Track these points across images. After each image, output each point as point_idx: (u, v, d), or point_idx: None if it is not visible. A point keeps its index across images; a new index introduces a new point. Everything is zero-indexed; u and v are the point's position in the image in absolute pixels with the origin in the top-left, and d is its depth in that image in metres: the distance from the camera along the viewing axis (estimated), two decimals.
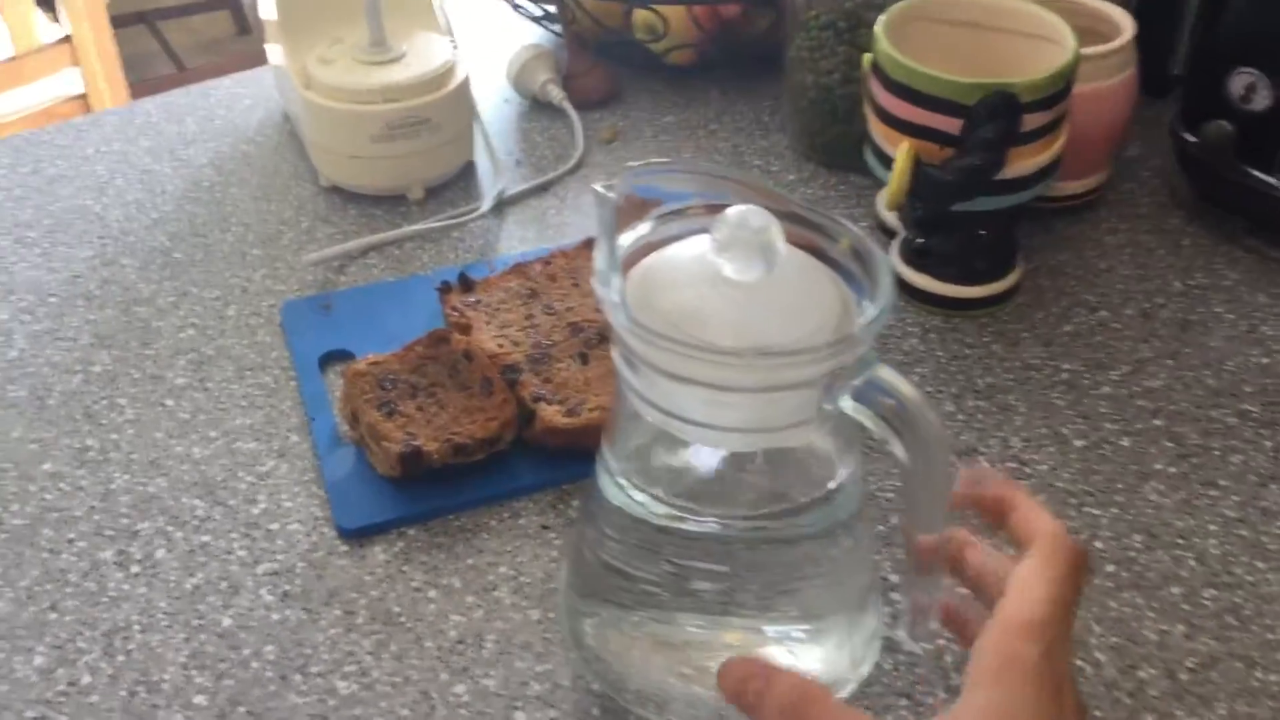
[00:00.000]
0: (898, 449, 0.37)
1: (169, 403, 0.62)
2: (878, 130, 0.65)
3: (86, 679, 0.49)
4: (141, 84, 2.04)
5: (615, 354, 0.40)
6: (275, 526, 0.55)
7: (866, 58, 0.66)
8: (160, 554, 0.54)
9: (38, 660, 0.49)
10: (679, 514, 0.42)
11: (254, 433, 0.60)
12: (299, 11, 0.78)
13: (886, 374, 0.37)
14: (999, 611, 0.36)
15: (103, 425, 0.61)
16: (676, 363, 0.37)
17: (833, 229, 0.40)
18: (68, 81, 1.73)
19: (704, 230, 0.39)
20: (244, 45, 2.61)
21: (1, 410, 0.62)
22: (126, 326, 0.67)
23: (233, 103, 0.89)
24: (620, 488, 0.43)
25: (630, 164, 0.41)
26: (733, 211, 0.37)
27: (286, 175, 0.80)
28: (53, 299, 0.69)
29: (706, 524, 0.41)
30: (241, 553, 0.54)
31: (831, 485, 0.41)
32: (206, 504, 0.56)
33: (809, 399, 0.38)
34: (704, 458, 0.41)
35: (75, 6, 1.68)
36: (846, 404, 0.37)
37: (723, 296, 0.37)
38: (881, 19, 0.65)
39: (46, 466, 0.58)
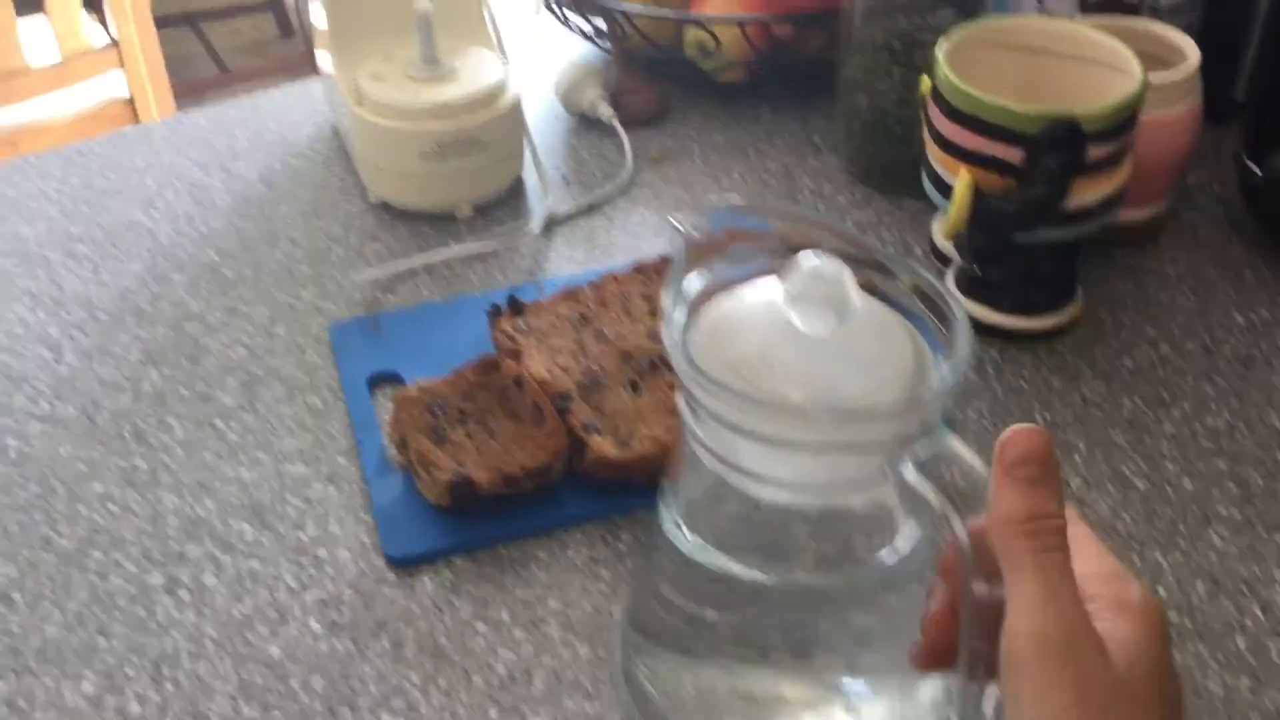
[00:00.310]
0: (959, 529, 0.34)
1: (218, 423, 0.62)
2: (936, 157, 0.64)
3: (135, 708, 0.48)
4: (184, 85, 2.05)
5: (678, 396, 0.39)
6: (323, 553, 0.55)
7: (924, 82, 0.65)
8: (209, 580, 0.54)
9: (86, 687, 0.49)
10: (737, 561, 0.41)
11: (303, 456, 0.60)
12: (350, 26, 0.78)
13: (957, 446, 0.35)
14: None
15: (152, 445, 0.61)
16: (733, 413, 0.36)
17: (917, 280, 0.39)
18: (114, 84, 1.75)
19: (778, 272, 0.38)
20: (286, 48, 2.62)
21: (51, 428, 0.62)
22: (176, 344, 0.67)
23: (282, 115, 0.89)
24: (678, 527, 0.42)
25: (710, 200, 0.40)
26: (806, 261, 0.36)
27: (335, 190, 0.80)
28: (102, 315, 0.69)
29: (765, 573, 0.41)
30: (290, 580, 0.54)
31: (900, 545, 0.39)
32: (255, 528, 0.56)
33: (872, 460, 0.37)
34: (764, 508, 0.40)
35: (122, 10, 1.70)
36: (909, 473, 0.35)
37: (791, 348, 0.37)
38: (943, 44, 0.64)
39: (96, 487, 0.58)
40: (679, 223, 0.39)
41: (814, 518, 0.40)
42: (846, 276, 0.36)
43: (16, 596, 0.53)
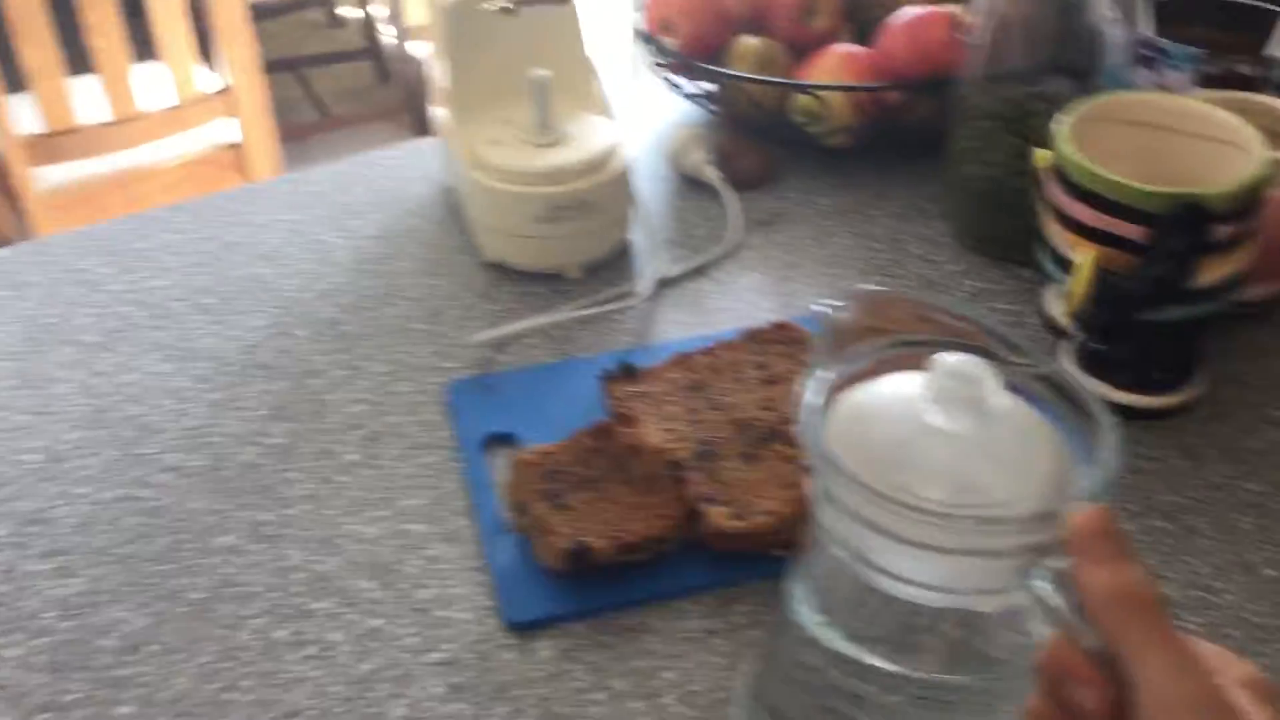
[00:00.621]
0: (1089, 640, 0.33)
1: (341, 479, 0.64)
2: (1056, 233, 0.63)
3: None
4: (287, 129, 2.12)
5: (810, 483, 0.40)
6: (444, 614, 0.56)
7: (1040, 155, 0.65)
8: (333, 636, 0.55)
9: None
10: (865, 649, 0.41)
11: (422, 514, 0.61)
12: (469, 93, 0.80)
13: None
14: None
15: (278, 499, 0.63)
16: (866, 508, 0.36)
17: (1053, 374, 0.38)
18: (223, 129, 1.81)
19: (916, 364, 0.38)
20: (384, 94, 2.69)
21: (182, 480, 0.64)
22: (300, 399, 0.69)
23: (395, 173, 0.91)
24: (805, 607, 0.42)
25: (856, 287, 0.41)
26: (947, 360, 0.36)
27: (449, 249, 0.82)
28: (229, 368, 0.72)
29: (891, 665, 0.40)
30: (411, 640, 0.55)
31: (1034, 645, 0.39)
32: (377, 586, 0.57)
33: (1006, 566, 0.36)
34: (895, 601, 0.39)
35: (236, 59, 1.76)
36: (1040, 585, 0.35)
37: (929, 445, 0.37)
38: (1063, 120, 0.64)
39: (224, 540, 0.60)
40: (826, 307, 0.39)
41: (946, 615, 0.39)
42: (987, 376, 0.36)
43: (150, 647, 0.55)
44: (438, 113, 0.86)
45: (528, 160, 0.76)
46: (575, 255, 0.78)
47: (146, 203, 1.73)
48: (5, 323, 0.76)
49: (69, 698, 0.53)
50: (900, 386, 0.38)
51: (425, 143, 0.94)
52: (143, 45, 1.70)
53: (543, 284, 0.78)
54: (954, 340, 0.39)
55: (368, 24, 2.75)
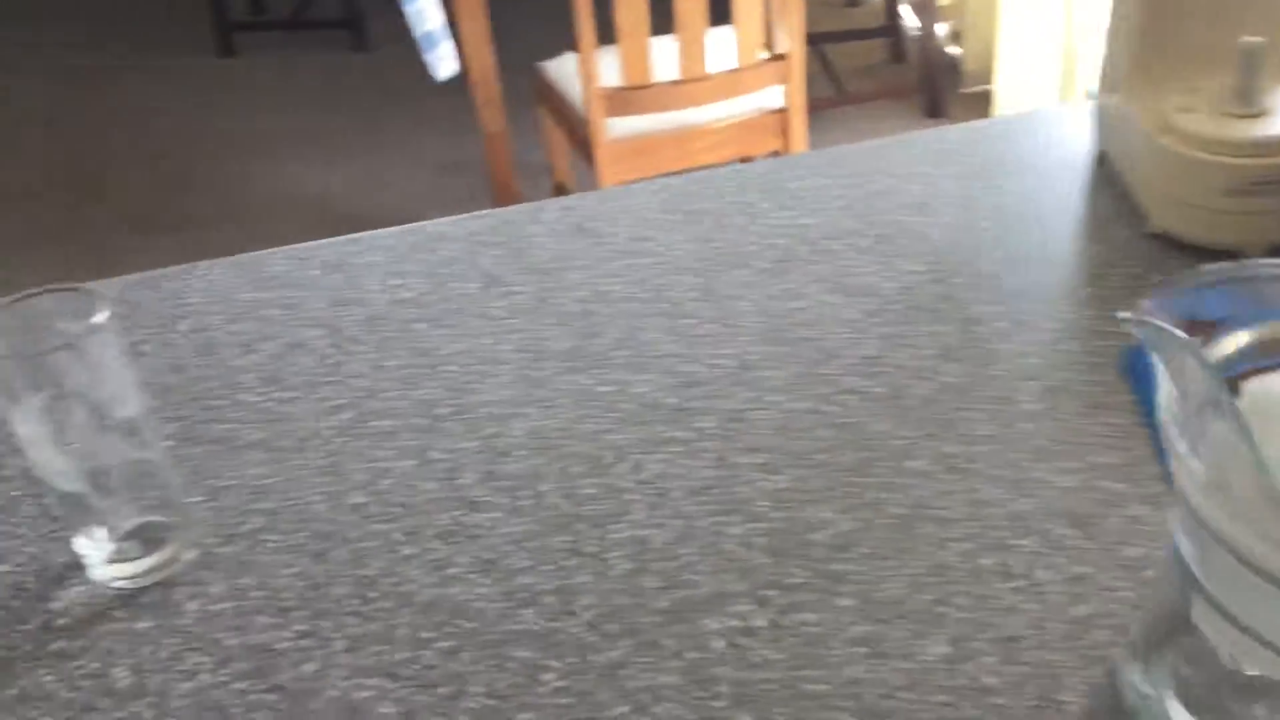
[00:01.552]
0: None
1: (1023, 425, 0.64)
2: None
3: (988, 679, 0.51)
4: (808, 101, 2.18)
5: (1175, 521, 0.33)
6: (1154, 575, 0.55)
7: None
8: (1041, 574, 0.56)
9: (939, 649, 0.53)
10: None
11: (1116, 473, 0.60)
12: (1156, 58, 0.78)
13: None
14: None
15: (962, 435, 0.64)
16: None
17: None
18: (771, 96, 1.90)
19: None
20: (895, 74, 2.70)
21: (864, 403, 0.67)
22: (967, 343, 0.71)
23: (1024, 138, 0.91)
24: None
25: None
26: None
27: (1102, 216, 0.80)
28: (893, 306, 0.75)
29: None
30: (1126, 594, 0.54)
31: None
32: (1079, 535, 0.57)
33: None
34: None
35: (790, 29, 1.84)
36: None
37: None
38: None
39: (915, 464, 0.63)
40: (1132, 318, 0.33)
41: None
42: None
43: (859, 549, 0.58)
44: (1101, 78, 0.84)
45: (1227, 129, 0.72)
46: (1261, 234, 0.73)
47: (696, 160, 1.86)
48: (684, 242, 0.84)
49: (791, 580, 0.57)
50: None
51: (1052, 109, 0.93)
52: (718, 11, 1.82)
53: (1213, 260, 0.74)
54: None
55: (889, 3, 2.77)
